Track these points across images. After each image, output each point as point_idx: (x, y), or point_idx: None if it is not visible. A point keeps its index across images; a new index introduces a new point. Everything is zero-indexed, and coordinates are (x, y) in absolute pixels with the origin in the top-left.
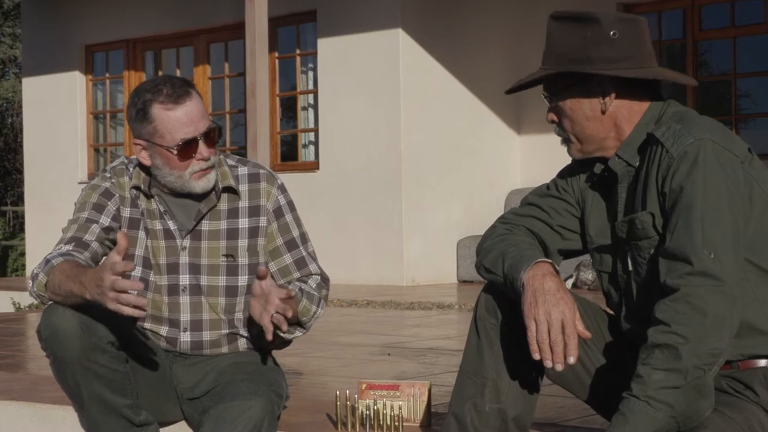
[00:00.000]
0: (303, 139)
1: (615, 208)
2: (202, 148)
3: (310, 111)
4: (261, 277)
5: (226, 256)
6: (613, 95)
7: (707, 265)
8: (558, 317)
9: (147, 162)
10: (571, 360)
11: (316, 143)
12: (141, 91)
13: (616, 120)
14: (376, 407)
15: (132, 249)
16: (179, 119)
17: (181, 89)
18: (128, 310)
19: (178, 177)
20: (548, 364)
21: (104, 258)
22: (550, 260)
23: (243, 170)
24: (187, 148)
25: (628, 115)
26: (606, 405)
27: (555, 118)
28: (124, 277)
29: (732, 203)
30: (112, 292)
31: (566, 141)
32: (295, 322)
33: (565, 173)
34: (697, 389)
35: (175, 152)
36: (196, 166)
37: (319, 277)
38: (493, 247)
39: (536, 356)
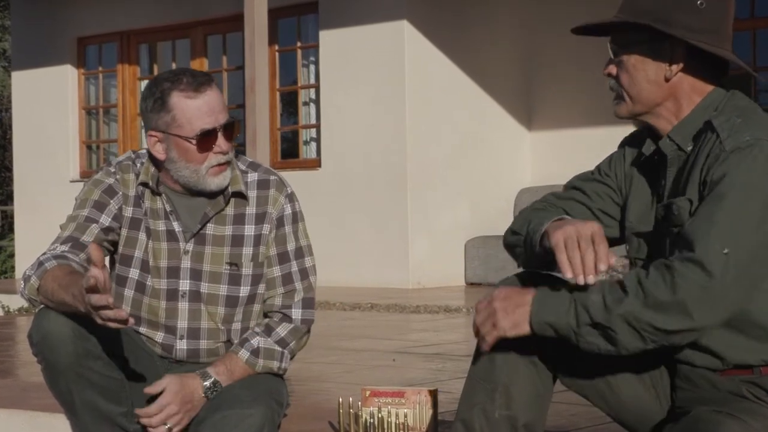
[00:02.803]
0: (304, 135)
1: (659, 193)
2: (221, 141)
3: (312, 106)
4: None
5: (230, 264)
6: (681, 65)
7: (708, 258)
8: (587, 232)
9: (161, 156)
10: (602, 267)
11: (317, 140)
12: (159, 80)
13: (676, 93)
14: (380, 415)
15: (132, 250)
16: (200, 108)
17: (202, 78)
18: (111, 325)
19: (194, 171)
20: (581, 280)
21: (118, 262)
22: None
23: (253, 176)
24: (207, 139)
25: (689, 91)
26: (620, 412)
27: (614, 72)
28: (96, 291)
29: (766, 211)
30: (89, 307)
31: (618, 97)
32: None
33: (612, 158)
34: (606, 335)
35: (194, 143)
36: (213, 160)
37: (299, 322)
38: (522, 214)
39: (569, 275)
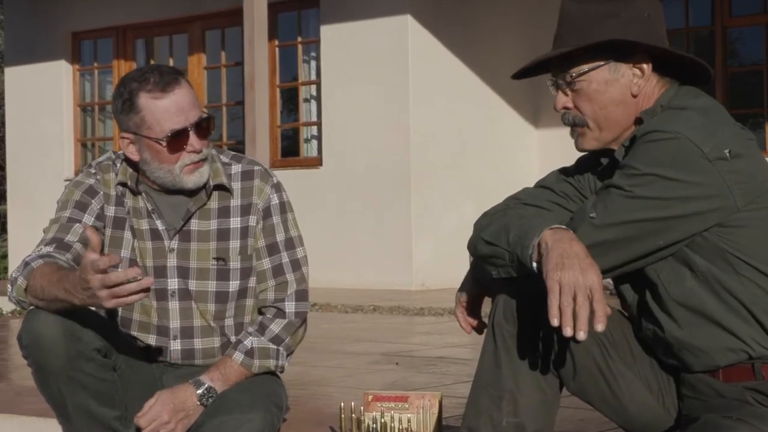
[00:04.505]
0: (305, 133)
1: None
2: (193, 140)
3: (313, 103)
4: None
5: (217, 259)
6: (647, 69)
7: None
8: (586, 283)
9: (135, 157)
10: (600, 327)
11: (318, 138)
12: (127, 80)
13: (641, 109)
14: (383, 420)
15: (118, 250)
16: (167, 108)
17: (170, 77)
18: (133, 298)
19: (168, 172)
20: (568, 332)
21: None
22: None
23: (236, 168)
24: (177, 140)
25: (645, 104)
26: (627, 419)
27: (570, 104)
28: (112, 271)
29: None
30: (104, 290)
31: (580, 128)
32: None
33: (580, 162)
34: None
35: (164, 144)
36: (187, 159)
37: (292, 315)
38: (494, 219)
39: (555, 322)
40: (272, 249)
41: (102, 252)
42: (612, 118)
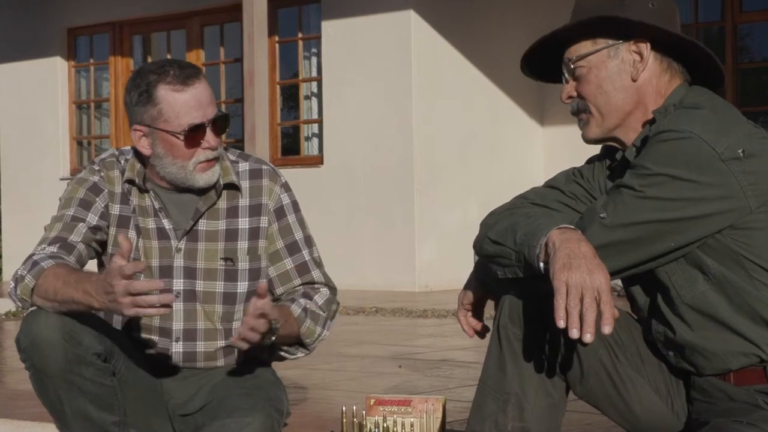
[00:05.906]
0: (306, 131)
1: None
2: (209, 136)
3: (314, 100)
4: (260, 296)
5: (225, 259)
6: (646, 53)
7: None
8: (594, 285)
9: (147, 151)
10: (607, 330)
11: (319, 136)
12: (144, 72)
13: (644, 99)
14: (385, 424)
15: (119, 250)
16: (187, 102)
17: (189, 70)
18: (152, 311)
19: (181, 168)
20: (574, 334)
21: (108, 263)
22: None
23: (244, 166)
24: (194, 135)
25: (655, 96)
26: (635, 424)
27: (574, 92)
28: (136, 278)
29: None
30: (128, 297)
31: (584, 116)
32: (297, 342)
33: (594, 164)
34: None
35: (182, 138)
36: (201, 156)
37: (327, 290)
38: (501, 218)
39: (561, 324)
40: (293, 248)
41: (104, 254)
42: (612, 104)
